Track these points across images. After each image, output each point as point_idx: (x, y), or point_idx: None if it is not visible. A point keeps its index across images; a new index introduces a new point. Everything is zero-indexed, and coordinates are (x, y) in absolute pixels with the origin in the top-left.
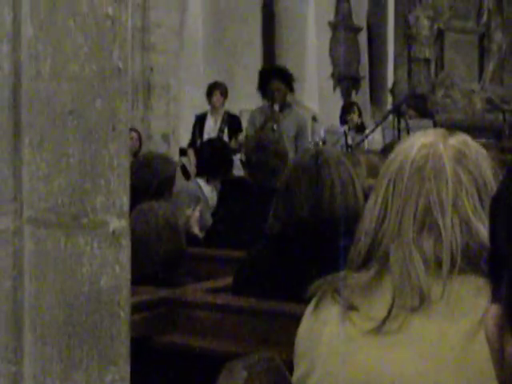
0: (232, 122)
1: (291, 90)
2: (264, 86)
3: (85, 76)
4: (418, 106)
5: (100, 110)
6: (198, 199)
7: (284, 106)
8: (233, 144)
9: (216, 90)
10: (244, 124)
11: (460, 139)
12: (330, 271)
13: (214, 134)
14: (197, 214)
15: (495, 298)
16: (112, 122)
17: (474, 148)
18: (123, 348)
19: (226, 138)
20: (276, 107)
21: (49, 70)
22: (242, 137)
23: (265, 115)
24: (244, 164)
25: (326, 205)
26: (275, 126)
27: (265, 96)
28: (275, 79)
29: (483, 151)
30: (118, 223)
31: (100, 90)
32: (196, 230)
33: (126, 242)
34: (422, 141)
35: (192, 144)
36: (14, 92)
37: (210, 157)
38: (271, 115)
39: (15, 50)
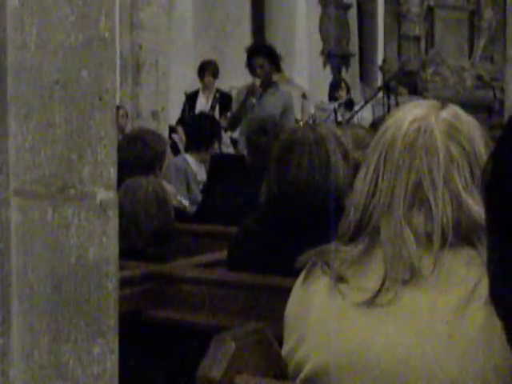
0: (223, 100)
1: (277, 69)
2: (250, 63)
3: (71, 46)
4: (408, 83)
5: (86, 81)
6: (185, 174)
7: (269, 83)
8: (223, 122)
9: (208, 69)
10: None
11: (452, 112)
12: (320, 243)
13: None
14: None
15: None
16: (99, 92)
17: (465, 121)
18: (111, 320)
19: (216, 115)
20: (257, 82)
21: (34, 39)
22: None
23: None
24: (233, 142)
25: (319, 177)
26: (254, 101)
27: (251, 72)
28: (259, 56)
29: (475, 123)
30: (106, 194)
31: (86, 60)
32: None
33: (113, 213)
34: (413, 114)
35: (181, 121)
36: None
37: (199, 129)
38: (251, 90)
39: (0, 20)
